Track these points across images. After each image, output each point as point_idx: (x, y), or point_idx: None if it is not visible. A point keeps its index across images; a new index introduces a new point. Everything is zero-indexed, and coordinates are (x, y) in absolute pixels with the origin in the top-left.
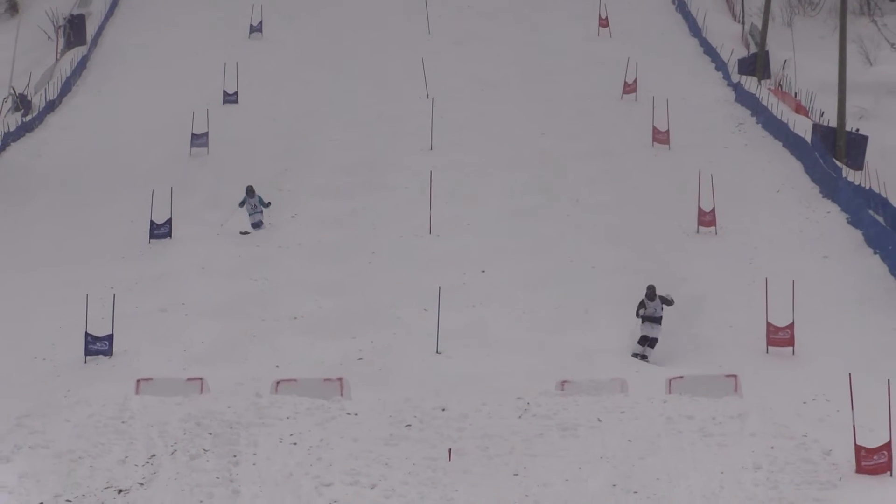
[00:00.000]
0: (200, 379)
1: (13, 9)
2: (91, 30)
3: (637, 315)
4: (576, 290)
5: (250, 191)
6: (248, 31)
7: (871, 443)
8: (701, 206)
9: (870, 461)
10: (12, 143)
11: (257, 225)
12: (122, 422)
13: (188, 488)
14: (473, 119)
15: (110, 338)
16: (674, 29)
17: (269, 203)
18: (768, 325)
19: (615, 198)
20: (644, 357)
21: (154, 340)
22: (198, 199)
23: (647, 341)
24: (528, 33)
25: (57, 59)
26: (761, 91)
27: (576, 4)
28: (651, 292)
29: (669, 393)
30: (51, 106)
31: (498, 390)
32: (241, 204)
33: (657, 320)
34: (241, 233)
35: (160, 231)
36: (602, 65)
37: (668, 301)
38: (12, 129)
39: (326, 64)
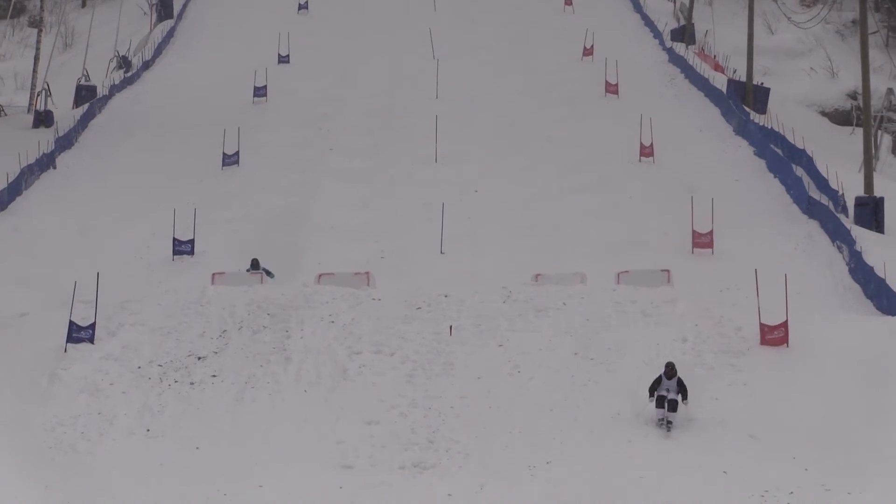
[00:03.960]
0: (261, 272)
1: None
2: (177, 7)
3: (650, 394)
4: (548, 207)
5: (255, 263)
6: (297, 9)
7: (772, 322)
8: (642, 141)
9: (771, 335)
10: (116, 94)
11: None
12: (201, 305)
13: (251, 356)
14: (469, 74)
15: (192, 242)
16: (622, 6)
17: (274, 276)
18: (693, 231)
19: (577, 135)
20: (669, 423)
21: (225, 244)
22: (260, 136)
23: (666, 402)
24: (511, 10)
25: (150, 30)
26: (688, 54)
27: None
28: (671, 370)
29: (618, 283)
30: (146, 65)
31: (487, 281)
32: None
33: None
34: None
35: (230, 160)
36: (566, 32)
37: (684, 389)
38: (117, 82)
39: (357, 34)
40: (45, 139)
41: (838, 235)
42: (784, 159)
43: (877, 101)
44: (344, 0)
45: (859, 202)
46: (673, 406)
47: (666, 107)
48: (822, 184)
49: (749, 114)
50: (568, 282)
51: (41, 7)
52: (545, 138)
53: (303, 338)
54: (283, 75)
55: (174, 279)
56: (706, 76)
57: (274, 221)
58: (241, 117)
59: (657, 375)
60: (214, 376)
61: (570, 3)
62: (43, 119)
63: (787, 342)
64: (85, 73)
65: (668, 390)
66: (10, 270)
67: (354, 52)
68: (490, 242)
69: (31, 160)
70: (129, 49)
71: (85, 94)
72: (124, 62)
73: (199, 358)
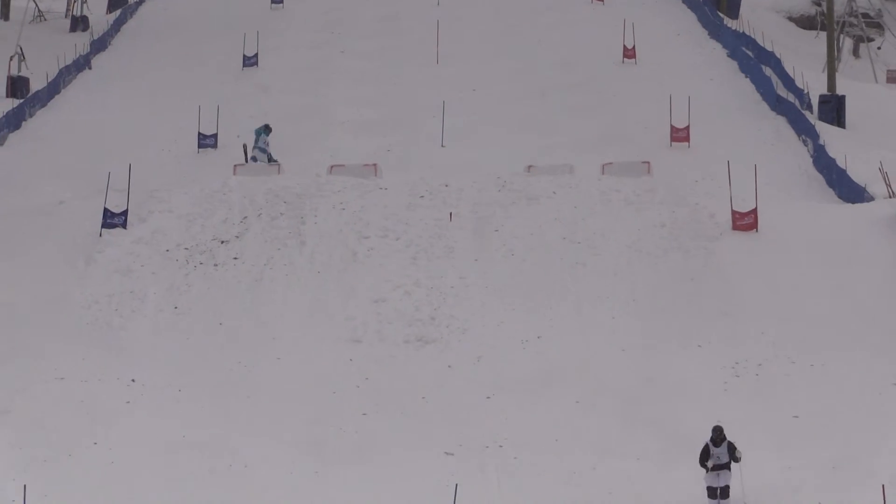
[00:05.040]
0: (277, 164)
1: None
2: None
3: (701, 465)
4: (539, 104)
5: (267, 128)
6: None
7: (743, 209)
8: (625, 44)
9: (742, 221)
10: (146, 1)
11: (253, 159)
12: (224, 194)
13: (269, 240)
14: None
15: (216, 136)
16: None
17: (277, 161)
18: (671, 126)
19: (567, 39)
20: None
21: (246, 137)
22: (278, 40)
23: (718, 493)
24: None
25: None
26: None
27: None
28: (718, 435)
29: (603, 174)
30: None
31: (484, 172)
32: (257, 134)
33: (724, 466)
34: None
35: (250, 61)
36: None
37: (735, 455)
38: None
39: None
40: (81, 42)
41: (803, 130)
42: (754, 61)
43: (839, 7)
44: None
45: (823, 100)
46: (725, 494)
47: (647, 13)
48: (788, 83)
49: (722, 19)
50: (557, 172)
51: None
52: (536, 41)
53: (316, 223)
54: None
55: (199, 170)
56: None
57: (290, 117)
58: (260, 23)
59: (704, 444)
60: (236, 258)
61: None
62: (79, 23)
63: (756, 227)
64: None
65: (718, 457)
66: (50, 162)
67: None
68: (486, 136)
69: (69, 61)
70: None
71: (117, 1)
72: None
73: (222, 242)
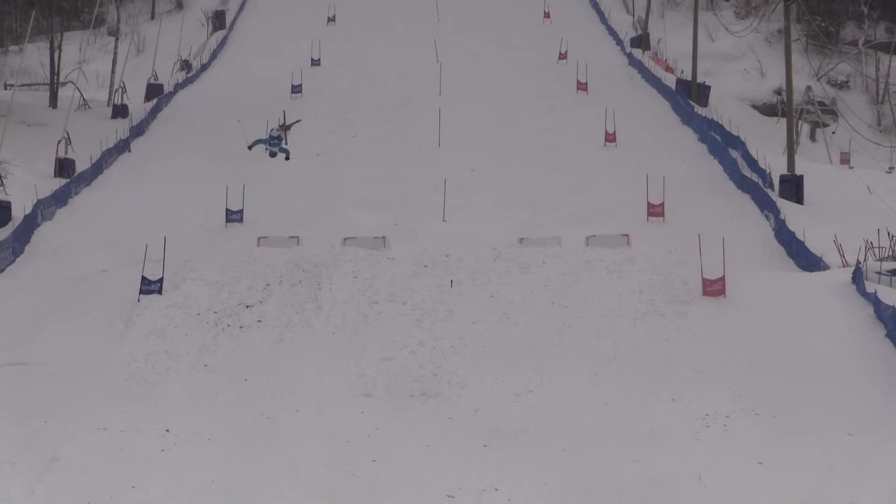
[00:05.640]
0: (297, 237)
1: (180, 6)
2: (229, 19)
3: None
4: (531, 182)
5: (282, 126)
6: (326, 21)
7: (712, 276)
8: (607, 129)
9: (711, 287)
10: (180, 91)
11: (272, 154)
12: (248, 264)
13: (289, 304)
14: (466, 74)
15: (241, 211)
16: (590, 19)
17: (288, 153)
18: (648, 203)
19: (554, 123)
20: None
21: (268, 212)
22: (297, 125)
23: None
24: (497, 24)
25: (207, 38)
26: (644, 58)
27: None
28: None
29: (587, 245)
30: (203, 67)
31: (481, 243)
32: (270, 132)
33: None
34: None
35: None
36: (544, 40)
37: None
38: (180, 81)
39: (375, 41)
40: (121, 128)
41: (766, 206)
42: (722, 144)
43: (798, 97)
44: (366, 12)
45: (783, 179)
46: None
47: (626, 101)
48: (752, 164)
49: (693, 107)
50: (546, 244)
51: (118, 20)
52: (527, 126)
53: (331, 290)
54: (317, 75)
55: (227, 242)
56: (659, 76)
57: (308, 195)
58: (281, 108)
59: None
60: (259, 321)
61: (549, 17)
62: (120, 111)
63: (724, 293)
64: (154, 73)
65: None
66: (94, 235)
67: (373, 55)
68: (483, 211)
69: (111, 145)
70: (189, 54)
71: (154, 90)
72: (186, 65)
73: (247, 306)
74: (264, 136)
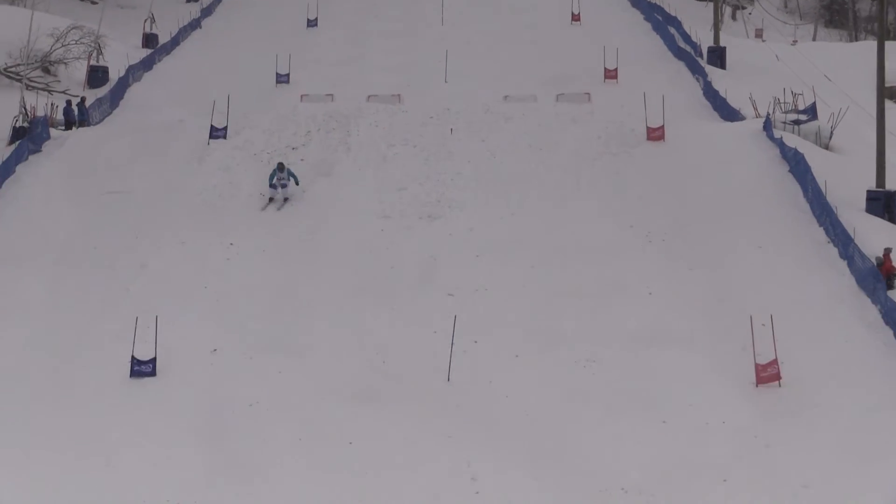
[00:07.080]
0: (331, 94)
1: None
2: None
3: None
4: (514, 52)
5: (280, 166)
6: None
7: (654, 124)
8: (573, 11)
9: (653, 134)
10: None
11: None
12: (293, 115)
13: (325, 147)
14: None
15: (288, 75)
16: None
17: (298, 181)
18: (605, 68)
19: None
20: None
21: (309, 76)
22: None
23: None
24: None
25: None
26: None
27: None
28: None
29: (557, 101)
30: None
31: (475, 100)
32: (271, 178)
33: None
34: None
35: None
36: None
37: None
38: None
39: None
40: (194, 9)
41: (697, 71)
42: (662, 22)
43: None
44: None
45: (710, 50)
46: None
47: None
48: (686, 38)
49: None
50: (525, 100)
51: None
52: (511, 7)
53: (358, 135)
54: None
55: (276, 98)
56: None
57: (340, 62)
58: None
59: None
60: (302, 160)
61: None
62: None
63: (664, 138)
64: None
65: None
66: (173, 92)
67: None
68: (476, 76)
69: (185, 23)
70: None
71: None
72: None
73: (293, 148)
74: (274, 179)
